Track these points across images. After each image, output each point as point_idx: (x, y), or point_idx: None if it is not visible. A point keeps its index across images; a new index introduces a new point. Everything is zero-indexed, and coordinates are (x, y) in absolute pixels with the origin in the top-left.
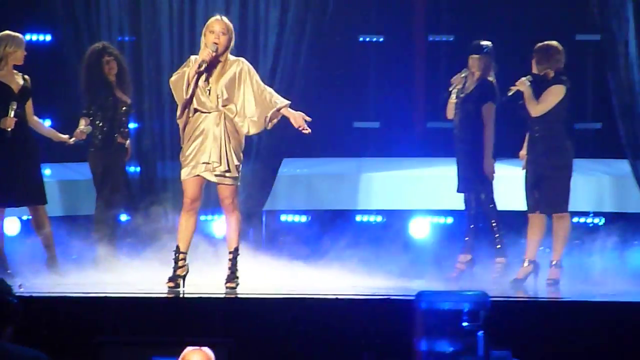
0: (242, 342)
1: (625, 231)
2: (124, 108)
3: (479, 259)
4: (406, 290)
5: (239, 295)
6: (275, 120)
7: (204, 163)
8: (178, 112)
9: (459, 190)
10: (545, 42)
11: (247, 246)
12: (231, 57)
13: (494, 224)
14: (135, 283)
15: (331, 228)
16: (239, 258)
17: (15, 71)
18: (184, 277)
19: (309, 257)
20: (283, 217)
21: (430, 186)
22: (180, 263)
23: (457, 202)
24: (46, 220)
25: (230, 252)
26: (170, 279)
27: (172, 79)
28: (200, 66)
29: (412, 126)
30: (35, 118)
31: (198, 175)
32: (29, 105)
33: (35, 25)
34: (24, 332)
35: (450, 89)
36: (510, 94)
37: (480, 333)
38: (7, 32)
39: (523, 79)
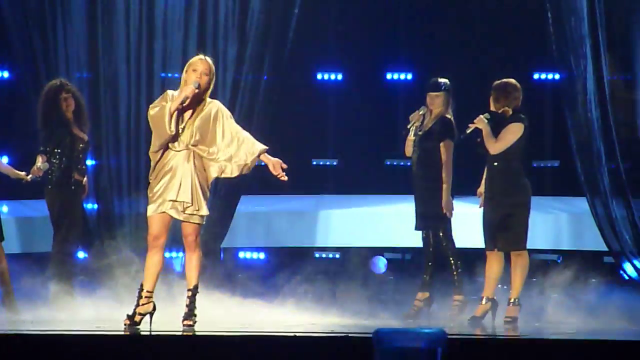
0: None
1: (582, 268)
2: (81, 145)
3: (437, 296)
4: (364, 327)
5: (197, 333)
6: (252, 165)
7: (170, 200)
8: (155, 147)
9: (417, 228)
10: (504, 80)
11: (204, 283)
12: (209, 99)
13: (452, 262)
14: (92, 320)
15: (289, 265)
16: (197, 296)
17: None
18: (151, 314)
19: (267, 294)
20: (241, 254)
21: (388, 223)
22: (142, 301)
23: (415, 239)
24: (2, 257)
25: (189, 290)
26: (128, 317)
27: (152, 113)
28: (183, 102)
29: (370, 163)
30: None
31: (164, 212)
32: None
33: None
34: None
35: (409, 127)
36: (468, 131)
37: None
38: None
39: (481, 116)
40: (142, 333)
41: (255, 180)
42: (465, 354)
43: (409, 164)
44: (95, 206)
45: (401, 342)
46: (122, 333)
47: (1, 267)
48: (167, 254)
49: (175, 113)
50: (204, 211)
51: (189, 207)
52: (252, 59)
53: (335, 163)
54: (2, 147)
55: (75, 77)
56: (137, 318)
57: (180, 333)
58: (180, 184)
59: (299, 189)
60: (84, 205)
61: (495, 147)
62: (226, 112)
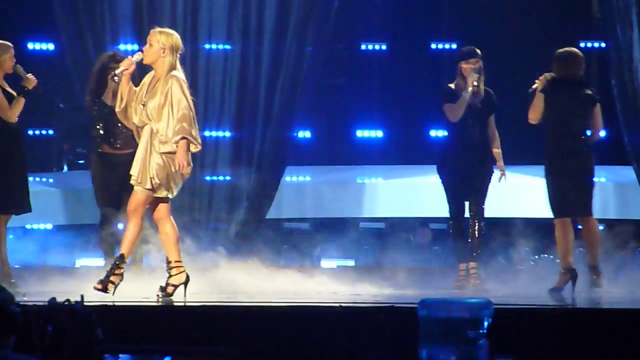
0: (246, 350)
1: (628, 238)
2: None
3: (482, 265)
4: (409, 298)
5: (243, 304)
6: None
7: (130, 174)
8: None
9: (463, 199)
10: (566, 49)
11: (251, 254)
12: (168, 73)
13: (483, 231)
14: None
15: (334, 235)
16: (123, 267)
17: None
18: (185, 285)
19: (312, 265)
20: (286, 225)
21: (433, 194)
22: (172, 272)
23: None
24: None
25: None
26: (161, 288)
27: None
28: (119, 75)
29: (414, 134)
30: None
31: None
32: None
33: (38, 35)
34: (26, 341)
35: (469, 89)
36: (534, 87)
37: (483, 341)
38: None
39: (547, 75)
40: (189, 304)
41: (301, 151)
42: (512, 323)
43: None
44: None
45: (447, 312)
46: (169, 304)
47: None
48: None
49: (126, 91)
50: (146, 184)
51: (134, 179)
52: (296, 29)
53: (380, 134)
54: (48, 121)
55: (121, 51)
56: (170, 289)
57: (217, 303)
58: (136, 158)
59: (344, 160)
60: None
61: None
62: (176, 88)
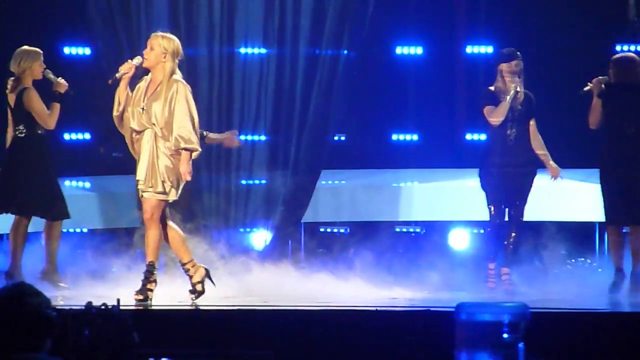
0: (281, 354)
1: None
2: None
3: (518, 269)
4: (446, 301)
5: (278, 308)
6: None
7: (137, 180)
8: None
9: (504, 205)
10: (622, 54)
11: (286, 258)
12: (170, 77)
13: (520, 236)
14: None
15: (370, 239)
16: (155, 273)
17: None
18: (209, 277)
19: (348, 268)
20: (322, 229)
21: (469, 197)
22: (191, 272)
23: None
24: (58, 237)
25: (146, 265)
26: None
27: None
28: (119, 78)
29: (450, 138)
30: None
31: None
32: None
33: (74, 39)
34: (62, 345)
35: (511, 93)
36: (586, 89)
37: (520, 345)
38: (23, 47)
39: (601, 79)
40: (225, 308)
41: (336, 155)
42: (548, 327)
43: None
44: None
45: (483, 316)
46: (203, 308)
47: (52, 247)
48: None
49: (124, 94)
50: (158, 187)
51: (142, 184)
52: (332, 33)
53: (415, 137)
54: (84, 125)
55: None
56: (199, 287)
57: (252, 307)
58: (141, 165)
59: (379, 163)
60: None
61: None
62: (181, 94)
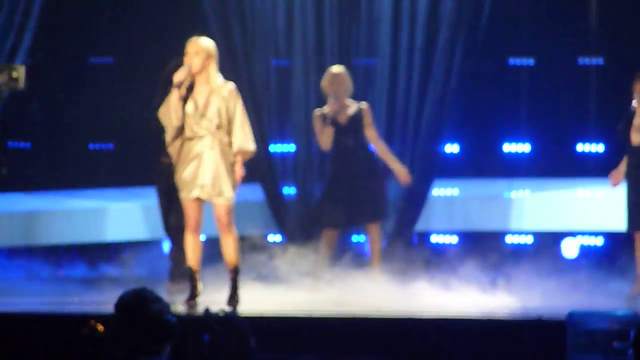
0: None
1: None
2: None
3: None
4: (557, 310)
5: (391, 316)
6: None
7: (200, 185)
8: (168, 141)
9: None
10: None
11: (398, 266)
12: (220, 82)
13: None
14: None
15: (481, 249)
16: (241, 278)
17: None
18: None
19: (461, 277)
20: (434, 238)
21: (580, 207)
22: (196, 283)
23: (609, 224)
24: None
25: (231, 272)
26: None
27: (161, 110)
28: (178, 86)
29: (562, 148)
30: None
31: (197, 198)
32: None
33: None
34: (181, 351)
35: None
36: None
37: (630, 352)
38: None
39: None
40: (336, 315)
41: (448, 164)
42: None
43: (601, 149)
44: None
45: (594, 324)
46: (303, 315)
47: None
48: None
49: (181, 102)
50: (229, 193)
51: (213, 190)
52: (445, 43)
53: (527, 148)
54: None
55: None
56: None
57: (363, 315)
58: (206, 170)
59: (491, 173)
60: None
61: None
62: (237, 97)
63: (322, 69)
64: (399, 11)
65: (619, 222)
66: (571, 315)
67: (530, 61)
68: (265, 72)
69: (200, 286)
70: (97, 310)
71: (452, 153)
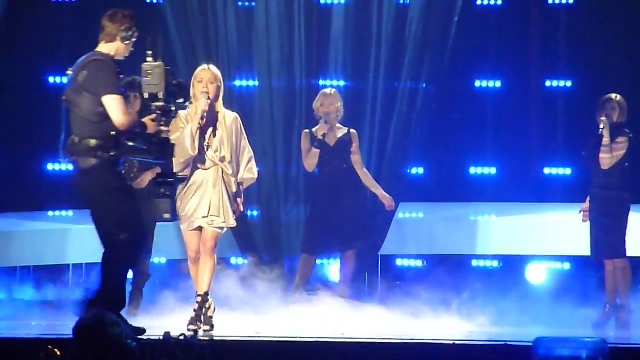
0: None
1: None
2: None
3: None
4: (523, 336)
5: (355, 340)
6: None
7: (203, 217)
8: (177, 169)
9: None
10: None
11: (363, 290)
12: (226, 111)
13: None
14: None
15: (447, 273)
16: (210, 303)
17: None
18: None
19: (426, 302)
20: (399, 262)
21: (546, 231)
22: (207, 304)
23: (575, 248)
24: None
25: (199, 295)
26: (205, 323)
27: (172, 137)
28: (203, 117)
29: (528, 172)
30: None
31: (198, 228)
32: None
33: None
34: None
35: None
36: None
37: None
38: None
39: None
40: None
41: (413, 188)
42: None
43: (568, 173)
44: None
45: (562, 351)
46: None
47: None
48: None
49: (198, 132)
50: (231, 222)
51: (216, 219)
52: (411, 66)
53: (493, 171)
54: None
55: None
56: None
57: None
58: (211, 202)
59: (457, 197)
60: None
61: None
62: (241, 127)
63: (287, 91)
64: (365, 34)
65: (586, 247)
66: (538, 342)
67: (497, 84)
68: (228, 93)
69: (209, 308)
70: (55, 334)
71: (417, 175)
